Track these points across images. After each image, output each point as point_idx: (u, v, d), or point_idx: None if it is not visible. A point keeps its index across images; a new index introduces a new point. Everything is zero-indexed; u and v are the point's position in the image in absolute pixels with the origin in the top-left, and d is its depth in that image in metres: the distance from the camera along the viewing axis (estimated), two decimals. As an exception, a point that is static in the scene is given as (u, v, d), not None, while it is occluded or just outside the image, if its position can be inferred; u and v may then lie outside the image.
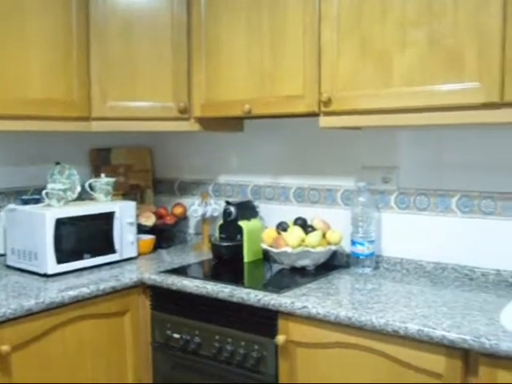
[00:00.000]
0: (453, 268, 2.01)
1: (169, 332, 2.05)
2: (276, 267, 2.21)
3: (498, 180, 1.92)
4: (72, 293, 1.88)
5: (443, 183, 2.03)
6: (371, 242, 2.10)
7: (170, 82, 2.25)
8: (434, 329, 1.47)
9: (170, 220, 2.59)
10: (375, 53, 1.78)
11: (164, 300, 2.07)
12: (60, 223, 2.10)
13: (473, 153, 1.96)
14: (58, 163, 2.38)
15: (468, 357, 1.45)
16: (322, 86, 1.90)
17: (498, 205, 1.92)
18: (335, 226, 2.21)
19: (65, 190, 2.24)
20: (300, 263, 2.11)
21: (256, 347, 1.83)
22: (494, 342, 1.37)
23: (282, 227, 2.19)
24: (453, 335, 1.44)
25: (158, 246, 2.55)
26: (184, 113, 2.25)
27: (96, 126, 2.26)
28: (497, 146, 1.91)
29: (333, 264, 2.21)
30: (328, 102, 1.88)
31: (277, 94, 2.01)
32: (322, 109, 1.90)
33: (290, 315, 1.74)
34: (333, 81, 1.87)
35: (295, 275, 2.07)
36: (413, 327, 1.50)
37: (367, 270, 2.10)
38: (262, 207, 2.47)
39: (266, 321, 1.81)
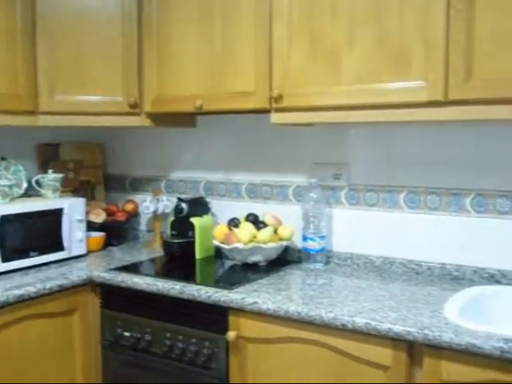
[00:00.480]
0: (400, 262, 2.05)
1: (119, 330, 2.02)
2: (228, 263, 2.21)
3: (442, 176, 1.97)
4: (17, 292, 1.82)
5: (392, 179, 2.07)
6: (322, 237, 2.13)
7: (120, 76, 2.22)
8: (380, 322, 1.50)
9: (120, 217, 2.55)
10: (325, 51, 1.80)
11: (114, 298, 2.03)
12: (5, 220, 2.03)
13: (420, 150, 2.01)
14: (3, 158, 2.31)
15: (413, 348, 1.49)
16: (273, 83, 1.91)
17: (443, 200, 1.97)
18: (287, 222, 2.23)
19: (10, 186, 2.18)
20: (252, 259, 2.12)
21: (207, 344, 1.83)
22: (437, 334, 1.41)
23: (233, 223, 2.19)
24: (398, 328, 1.47)
25: (108, 244, 2.50)
26: (134, 108, 2.22)
27: (43, 121, 2.20)
28: (442, 143, 1.97)
29: (285, 259, 2.23)
30: (279, 99, 1.89)
31: (228, 89, 2.01)
32: (273, 105, 1.91)
33: (241, 311, 1.75)
34: (284, 78, 1.88)
35: (247, 271, 2.08)
36: (360, 321, 1.53)
37: (318, 266, 2.12)
38: (215, 203, 2.47)
39: (217, 317, 1.80)
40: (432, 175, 1.99)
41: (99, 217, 2.47)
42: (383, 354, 1.51)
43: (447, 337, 1.40)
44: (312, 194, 2.13)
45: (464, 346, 1.38)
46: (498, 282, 1.88)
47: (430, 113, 1.64)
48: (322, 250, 2.13)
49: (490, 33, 1.54)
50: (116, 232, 2.58)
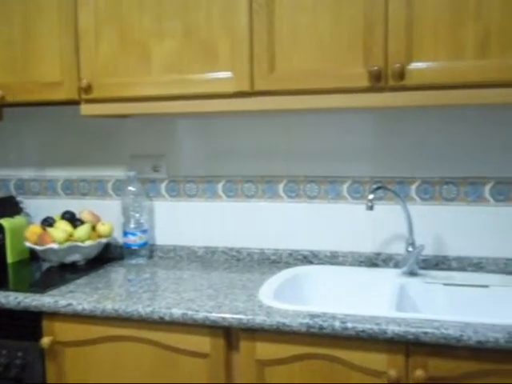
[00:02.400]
0: (222, 251, 2.10)
1: None
2: (45, 266, 2.07)
3: (257, 165, 2.04)
4: None
5: (210, 170, 2.10)
6: (144, 231, 2.09)
7: None
8: (197, 311, 1.51)
9: None
10: (134, 41, 1.76)
11: None
12: None
13: (235, 140, 2.06)
14: None
15: (230, 334, 1.52)
16: (81, 72, 1.82)
17: (259, 188, 2.05)
18: (108, 218, 2.16)
19: None
20: (69, 259, 2.01)
21: (20, 354, 1.69)
22: (251, 317, 1.46)
23: (47, 223, 2.05)
24: (214, 315, 1.49)
25: None
26: None
27: None
28: (255, 133, 2.04)
29: (106, 257, 2.15)
30: (88, 89, 1.80)
31: (33, 79, 1.87)
32: (83, 96, 1.82)
33: (55, 315, 1.65)
34: (92, 67, 1.80)
35: (64, 272, 1.97)
36: (177, 312, 1.52)
37: (141, 260, 2.08)
38: (28, 203, 2.29)
39: (29, 324, 1.68)
40: (247, 164, 2.06)
41: None
42: (201, 343, 1.53)
43: (259, 319, 1.45)
44: (131, 188, 2.08)
45: (275, 326, 1.44)
46: (311, 263, 2.01)
47: (238, 103, 1.69)
48: (144, 244, 2.09)
49: (288, 27, 1.62)
50: None
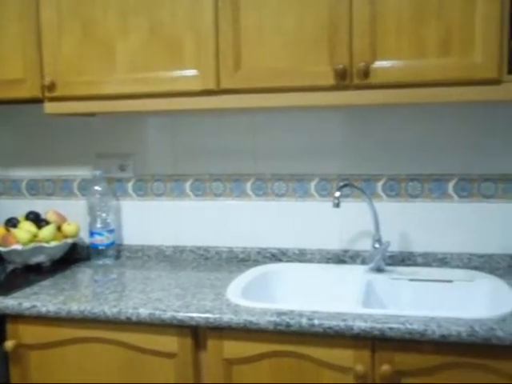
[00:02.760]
0: (190, 250, 2.09)
1: None
2: (9, 267, 2.03)
3: (224, 163, 2.04)
4: None
5: (178, 168, 2.09)
6: (111, 231, 2.06)
7: None
8: (164, 311, 1.50)
9: None
10: (98, 39, 1.74)
11: None
12: None
13: (203, 138, 2.05)
14: None
15: (197, 333, 1.52)
16: (44, 70, 1.79)
17: (227, 186, 2.05)
18: (74, 218, 2.13)
19: None
20: (34, 260, 1.97)
21: (-18, 358, 1.66)
22: (218, 316, 1.46)
23: (11, 223, 2.01)
24: (181, 315, 1.48)
25: None
26: None
27: None
28: (222, 131, 2.03)
29: (73, 258, 2.12)
30: (52, 87, 1.78)
31: (-6, 77, 1.84)
32: (46, 94, 1.79)
33: (19, 317, 1.62)
34: (56, 64, 1.78)
35: (29, 274, 1.93)
36: (144, 312, 1.51)
37: (108, 261, 2.05)
38: (-9, 203, 2.25)
39: (-8, 327, 1.65)
40: (215, 163, 2.05)
41: None
42: (169, 342, 1.52)
43: (227, 317, 1.45)
44: (97, 187, 2.05)
45: (242, 324, 1.44)
46: (279, 260, 2.01)
47: (205, 101, 1.68)
48: (111, 244, 2.07)
49: (254, 25, 1.62)
50: None
